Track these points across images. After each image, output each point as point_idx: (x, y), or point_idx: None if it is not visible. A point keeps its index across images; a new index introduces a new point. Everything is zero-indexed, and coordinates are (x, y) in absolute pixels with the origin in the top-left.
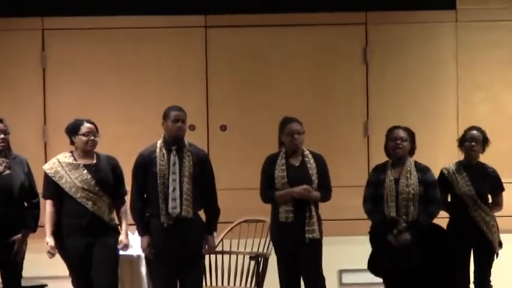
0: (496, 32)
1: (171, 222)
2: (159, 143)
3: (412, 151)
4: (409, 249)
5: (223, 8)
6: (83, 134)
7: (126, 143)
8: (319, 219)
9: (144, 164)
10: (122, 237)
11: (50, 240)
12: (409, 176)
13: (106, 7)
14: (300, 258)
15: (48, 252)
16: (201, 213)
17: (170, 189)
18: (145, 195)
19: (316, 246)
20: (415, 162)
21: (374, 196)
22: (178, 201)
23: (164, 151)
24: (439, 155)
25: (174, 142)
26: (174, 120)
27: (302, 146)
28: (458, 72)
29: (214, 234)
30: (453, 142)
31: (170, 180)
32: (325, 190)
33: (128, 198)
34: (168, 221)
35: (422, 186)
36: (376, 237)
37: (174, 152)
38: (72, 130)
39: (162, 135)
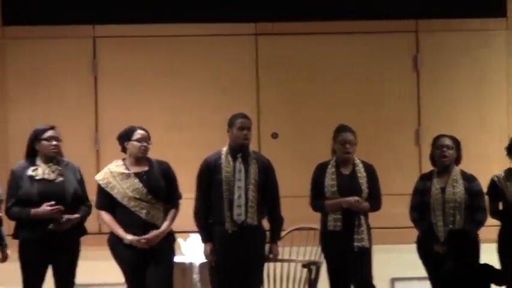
0: None
1: (235, 229)
2: (225, 150)
3: (458, 160)
4: None
5: (273, 15)
6: (136, 140)
7: (175, 150)
8: (368, 227)
9: (209, 171)
10: (153, 233)
11: (129, 236)
12: (455, 184)
13: (157, 15)
14: (349, 267)
15: (144, 242)
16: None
17: (235, 196)
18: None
19: (365, 255)
20: (461, 171)
21: (420, 205)
22: (243, 208)
23: (230, 158)
24: (491, 163)
25: (240, 149)
26: (240, 128)
27: (353, 156)
28: (509, 80)
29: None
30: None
31: (236, 187)
32: (375, 200)
33: (183, 202)
34: (233, 228)
35: (468, 195)
36: (424, 247)
37: (240, 160)
38: (125, 136)
39: (228, 142)
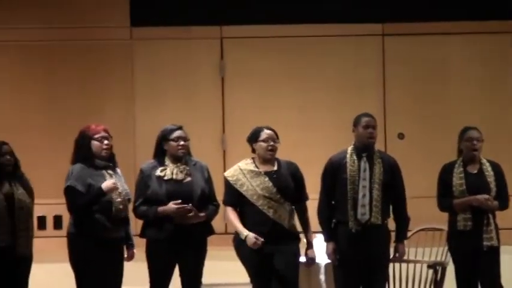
0: None
1: (359, 228)
2: (350, 149)
3: None
4: None
5: (400, 16)
6: (263, 141)
7: (302, 150)
8: (496, 227)
9: (333, 170)
10: (308, 251)
11: (249, 232)
12: None
13: (284, 15)
14: (478, 267)
15: (255, 242)
16: None
17: (360, 195)
18: (332, 201)
19: (494, 254)
20: None
21: None
22: (367, 207)
23: (354, 157)
24: None
25: (365, 149)
26: (365, 127)
27: (480, 154)
28: None
29: (405, 242)
30: None
31: (360, 186)
32: (503, 199)
33: (309, 202)
34: (357, 227)
35: None
36: None
37: (365, 159)
38: (253, 137)
39: (352, 142)
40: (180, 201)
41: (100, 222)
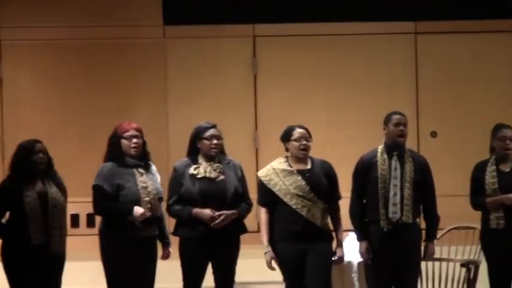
0: None
1: (390, 227)
2: (380, 148)
3: None
4: None
5: (433, 14)
6: (295, 140)
7: (333, 148)
8: None
9: (364, 169)
10: (338, 250)
11: (269, 250)
12: None
13: (316, 14)
14: (511, 266)
15: (270, 262)
16: None
17: (391, 194)
18: (364, 201)
19: None
20: None
21: None
22: (398, 206)
23: (385, 156)
24: None
25: (395, 147)
26: (396, 124)
27: None
28: None
29: (438, 241)
30: None
31: (391, 185)
32: None
33: (342, 201)
34: (388, 225)
35: None
36: None
37: (396, 158)
38: (285, 136)
39: (383, 140)
40: (217, 214)
41: (129, 220)
